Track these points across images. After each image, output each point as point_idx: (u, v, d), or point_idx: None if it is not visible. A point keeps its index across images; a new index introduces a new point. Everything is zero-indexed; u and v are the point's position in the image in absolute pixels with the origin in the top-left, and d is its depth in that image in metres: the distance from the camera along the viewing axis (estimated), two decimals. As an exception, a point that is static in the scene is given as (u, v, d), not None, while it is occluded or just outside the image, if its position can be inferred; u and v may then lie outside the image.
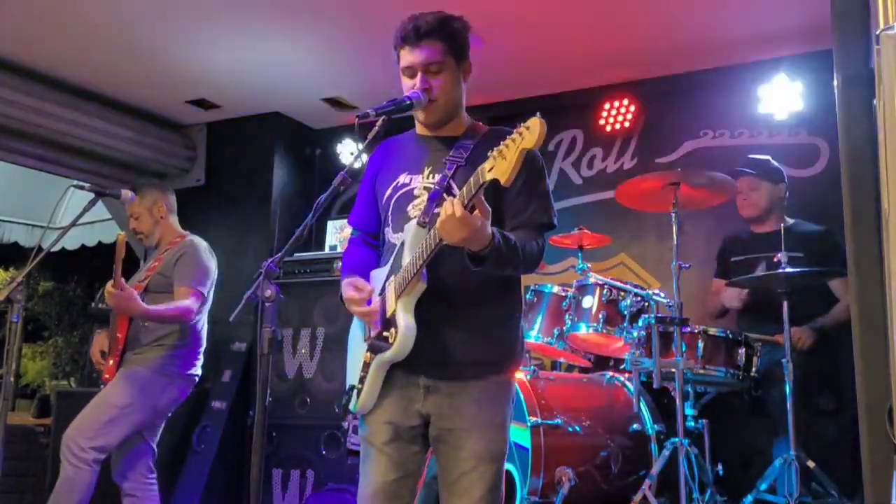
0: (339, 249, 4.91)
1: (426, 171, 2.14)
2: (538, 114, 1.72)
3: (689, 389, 3.51)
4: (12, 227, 7.27)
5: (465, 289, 2.05)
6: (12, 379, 2.93)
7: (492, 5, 3.86)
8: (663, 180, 3.51)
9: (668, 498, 3.39)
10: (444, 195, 1.99)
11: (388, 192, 2.19)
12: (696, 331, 3.46)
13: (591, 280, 3.67)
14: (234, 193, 5.47)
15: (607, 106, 4.77)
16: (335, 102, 5.20)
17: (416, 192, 2.13)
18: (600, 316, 3.57)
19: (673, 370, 3.29)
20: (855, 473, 2.32)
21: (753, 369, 3.52)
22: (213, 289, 3.67)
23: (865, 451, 2.04)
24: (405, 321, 1.99)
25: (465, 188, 1.85)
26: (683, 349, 3.32)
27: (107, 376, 3.49)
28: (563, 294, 3.71)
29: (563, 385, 3.73)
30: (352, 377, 2.17)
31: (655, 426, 3.54)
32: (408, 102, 2.08)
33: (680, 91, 4.69)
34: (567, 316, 3.65)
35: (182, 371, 3.57)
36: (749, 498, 3.26)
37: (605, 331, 3.57)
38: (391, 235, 2.17)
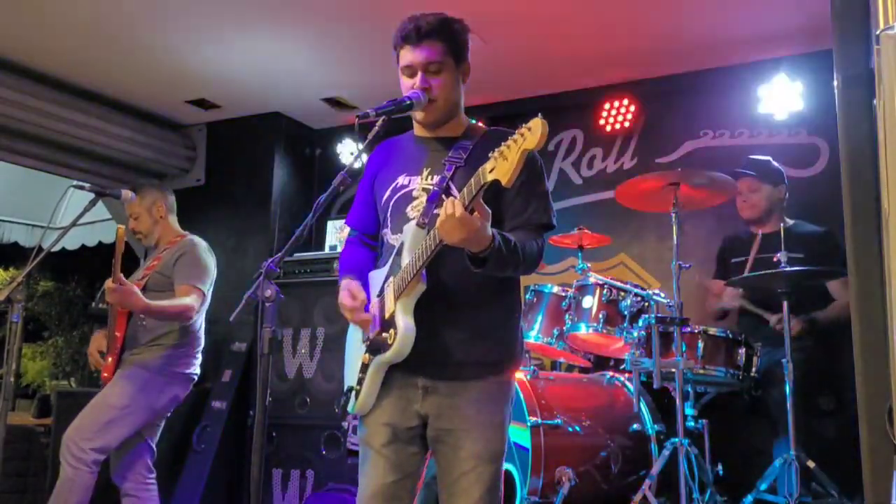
0: (339, 249, 4.90)
1: (425, 173, 2.14)
2: (539, 114, 1.72)
3: (689, 389, 3.51)
4: (12, 227, 7.27)
5: (465, 290, 2.05)
6: (12, 379, 2.93)
7: (492, 5, 3.86)
8: (663, 180, 3.51)
9: (668, 498, 3.39)
10: (443, 196, 1.99)
11: (387, 193, 2.19)
12: (696, 331, 3.47)
13: (591, 280, 3.67)
14: (234, 193, 5.47)
15: (607, 106, 4.77)
16: (335, 102, 5.20)
17: (414, 193, 2.13)
18: (600, 316, 3.57)
19: (673, 370, 3.29)
20: (855, 473, 2.32)
21: (753, 369, 3.53)
22: (211, 288, 3.67)
23: (865, 451, 2.04)
24: (404, 322, 1.99)
25: (465, 189, 1.85)
26: (683, 349, 3.32)
27: (105, 375, 3.49)
28: (563, 294, 3.71)
29: (563, 385, 3.73)
30: (350, 378, 2.17)
31: (655, 426, 3.54)
32: (408, 102, 2.08)
33: (680, 91, 4.69)
34: (567, 316, 3.65)
35: (181, 370, 3.57)
36: (749, 498, 3.26)
37: (605, 331, 3.57)
38: (390, 237, 2.17)
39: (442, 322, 2.04)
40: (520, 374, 3.39)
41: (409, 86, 2.12)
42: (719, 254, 4.13)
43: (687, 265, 3.45)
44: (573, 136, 4.96)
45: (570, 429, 3.40)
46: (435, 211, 2.01)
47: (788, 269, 3.33)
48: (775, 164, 3.95)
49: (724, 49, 4.33)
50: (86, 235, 7.06)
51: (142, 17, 4.09)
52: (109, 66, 4.67)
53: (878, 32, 1.93)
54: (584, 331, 3.61)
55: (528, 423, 3.24)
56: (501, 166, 1.74)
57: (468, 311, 2.07)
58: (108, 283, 3.30)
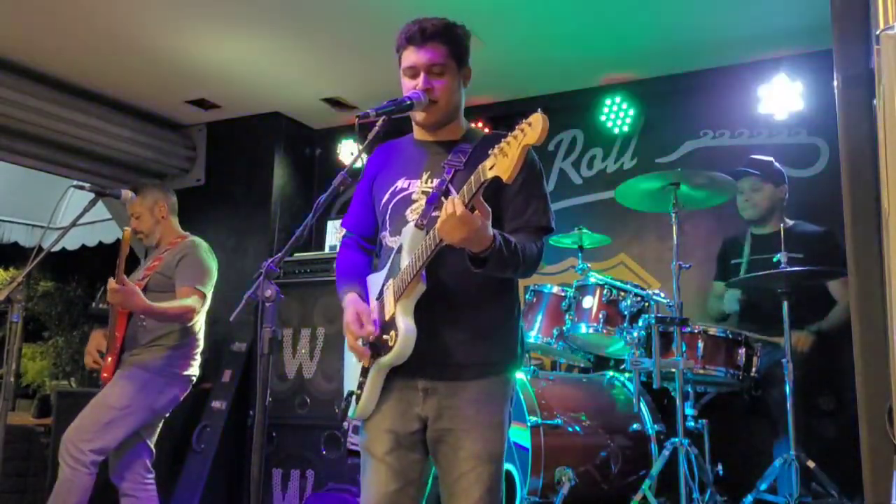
0: (338, 249, 4.90)
1: (425, 176, 2.14)
2: (540, 109, 1.71)
3: (689, 389, 3.51)
4: (12, 227, 7.27)
5: (465, 290, 2.05)
6: (12, 379, 2.93)
7: (492, 5, 3.86)
8: (663, 180, 3.51)
9: (668, 498, 3.39)
10: (442, 199, 1.99)
11: (386, 196, 2.18)
12: (696, 331, 3.47)
13: (591, 280, 3.67)
14: (234, 193, 5.47)
15: (607, 106, 4.77)
16: (335, 102, 5.20)
17: (414, 196, 2.13)
18: (600, 316, 3.57)
19: (673, 370, 3.29)
20: (855, 473, 2.32)
21: (753, 369, 3.53)
22: (212, 289, 3.67)
23: (865, 451, 2.04)
24: (405, 324, 1.99)
25: (465, 187, 1.84)
26: (683, 349, 3.32)
27: (105, 375, 3.49)
28: (563, 294, 3.71)
29: (563, 385, 3.73)
30: (350, 383, 2.16)
31: (655, 426, 3.54)
32: (408, 102, 2.08)
33: (680, 91, 4.69)
34: (567, 316, 3.65)
35: (180, 371, 3.58)
36: (749, 498, 3.26)
37: (605, 331, 3.57)
38: (388, 239, 2.16)
39: (442, 323, 2.04)
40: (520, 374, 3.39)
41: (410, 87, 2.12)
42: (720, 255, 4.13)
43: (687, 265, 3.45)
44: (573, 136, 4.96)
45: (570, 429, 3.40)
46: (434, 213, 2.01)
47: (788, 269, 3.33)
48: (777, 164, 3.95)
49: (724, 49, 4.32)
50: (86, 235, 7.06)
51: (142, 18, 4.09)
52: (109, 66, 4.67)
53: (878, 32, 1.93)
54: (584, 331, 3.61)
55: (528, 423, 3.24)
56: (502, 163, 1.74)
57: (468, 312, 2.07)
58: (111, 283, 3.30)
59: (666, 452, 3.25)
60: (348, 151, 5.33)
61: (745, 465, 3.63)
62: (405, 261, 2.02)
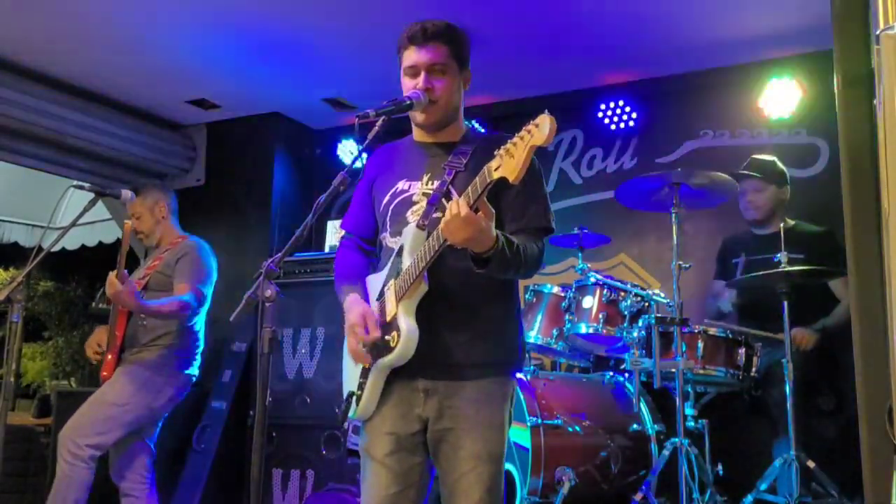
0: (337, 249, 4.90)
1: (425, 178, 2.14)
2: (547, 111, 1.71)
3: (689, 389, 3.51)
4: (12, 227, 7.26)
5: (466, 291, 2.05)
6: (12, 379, 2.93)
7: (492, 5, 3.86)
8: (663, 180, 3.51)
9: (668, 498, 3.39)
10: (444, 200, 1.99)
11: (387, 198, 2.18)
12: (696, 331, 3.47)
13: (591, 280, 3.67)
14: (233, 193, 5.47)
15: (607, 106, 4.76)
16: (335, 102, 5.20)
17: (415, 198, 2.13)
18: (600, 316, 3.57)
19: (673, 370, 3.29)
20: (855, 473, 2.32)
21: (753, 369, 3.53)
22: (211, 290, 3.67)
23: (865, 451, 2.04)
24: (407, 324, 1.99)
25: (470, 187, 1.84)
26: (683, 349, 3.32)
27: (105, 373, 3.49)
28: (563, 294, 3.71)
29: (563, 385, 3.73)
30: (350, 383, 2.16)
31: (655, 426, 3.54)
32: (408, 102, 2.08)
33: (680, 91, 4.69)
34: (567, 316, 3.65)
35: (180, 371, 3.58)
36: (749, 498, 3.26)
37: (605, 331, 3.57)
38: (389, 240, 2.16)
39: (443, 323, 2.04)
40: (520, 374, 3.39)
41: (411, 87, 2.13)
42: (720, 254, 4.13)
43: (687, 265, 3.45)
44: (573, 136, 4.96)
45: (570, 429, 3.40)
46: (435, 214, 2.01)
47: (789, 268, 3.33)
48: (780, 164, 3.95)
49: (724, 49, 4.32)
50: (86, 235, 7.06)
51: (142, 17, 4.09)
52: (109, 66, 4.67)
53: (878, 32, 1.93)
54: (584, 331, 3.61)
55: (528, 423, 3.24)
56: (508, 164, 1.73)
57: (469, 313, 2.07)
58: (111, 276, 3.29)
59: (666, 452, 3.25)
60: (348, 151, 5.33)
61: (745, 465, 3.62)
62: (407, 261, 2.02)
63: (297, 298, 4.57)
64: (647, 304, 3.59)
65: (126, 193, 3.51)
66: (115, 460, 3.55)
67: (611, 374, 3.85)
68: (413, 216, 2.10)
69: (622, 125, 4.76)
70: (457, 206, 1.80)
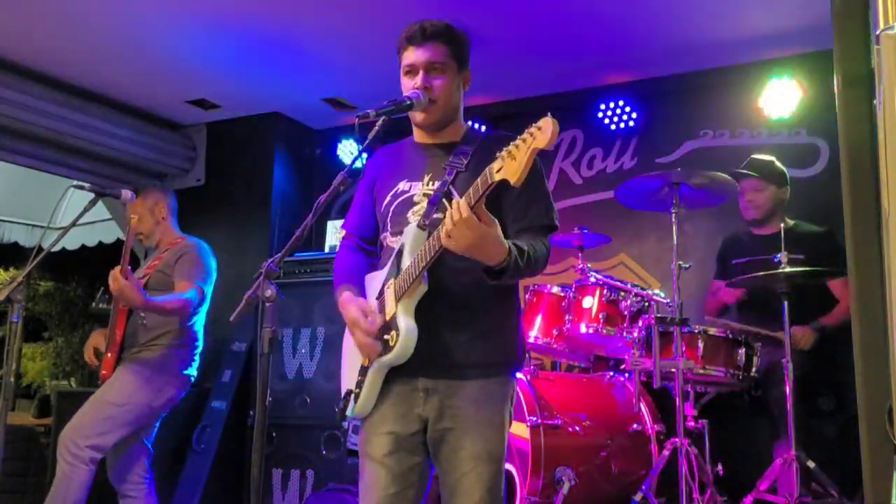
0: (338, 250, 4.90)
1: (426, 178, 2.14)
2: (549, 114, 1.71)
3: (689, 389, 3.51)
4: (12, 227, 7.26)
5: (465, 291, 2.05)
6: (12, 379, 2.93)
7: (492, 5, 3.86)
8: (663, 180, 3.51)
9: (668, 498, 3.39)
10: (444, 201, 1.98)
11: (388, 199, 2.18)
12: (696, 331, 3.47)
13: (591, 280, 3.67)
14: (233, 193, 5.47)
15: (607, 106, 4.76)
16: (335, 102, 5.20)
17: (415, 198, 2.13)
18: (600, 316, 3.57)
19: (673, 370, 3.29)
20: (855, 473, 2.32)
21: (753, 369, 3.53)
22: (211, 289, 3.67)
23: (865, 451, 2.04)
24: (406, 324, 1.99)
25: (471, 189, 1.82)
26: (683, 349, 3.32)
27: (104, 373, 3.49)
28: (563, 294, 3.71)
29: (563, 385, 3.73)
30: (348, 382, 2.16)
31: (655, 426, 3.54)
32: (408, 102, 2.08)
33: (680, 91, 4.69)
34: (567, 316, 3.65)
35: (179, 370, 3.58)
36: (749, 498, 3.26)
37: (605, 331, 3.57)
38: (390, 240, 2.16)
39: (443, 323, 2.04)
40: (520, 374, 3.39)
41: (410, 87, 2.13)
42: (720, 254, 4.13)
43: (687, 265, 3.45)
44: (573, 136, 4.96)
45: (570, 429, 3.40)
46: (436, 215, 2.01)
47: (789, 269, 3.33)
48: (779, 164, 3.94)
49: (724, 49, 4.32)
50: (86, 235, 7.06)
51: (142, 17, 4.09)
52: (109, 66, 4.67)
53: (878, 32, 1.93)
54: (584, 331, 3.61)
55: (528, 423, 3.24)
56: (510, 166, 1.73)
57: (469, 313, 2.07)
58: (114, 271, 3.29)
59: (666, 452, 3.25)
60: (348, 151, 5.33)
61: (745, 465, 3.63)
62: (407, 261, 2.02)
63: (297, 298, 4.58)
64: (647, 304, 3.59)
65: (126, 193, 3.50)
66: (114, 461, 3.55)
67: (611, 374, 3.85)
68: (414, 217, 2.10)
69: (622, 125, 4.76)
70: (457, 208, 1.80)
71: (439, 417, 2.05)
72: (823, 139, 4.29)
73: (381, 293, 2.10)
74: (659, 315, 3.40)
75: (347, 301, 2.12)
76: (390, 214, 2.17)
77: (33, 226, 7.27)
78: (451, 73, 2.15)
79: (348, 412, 2.13)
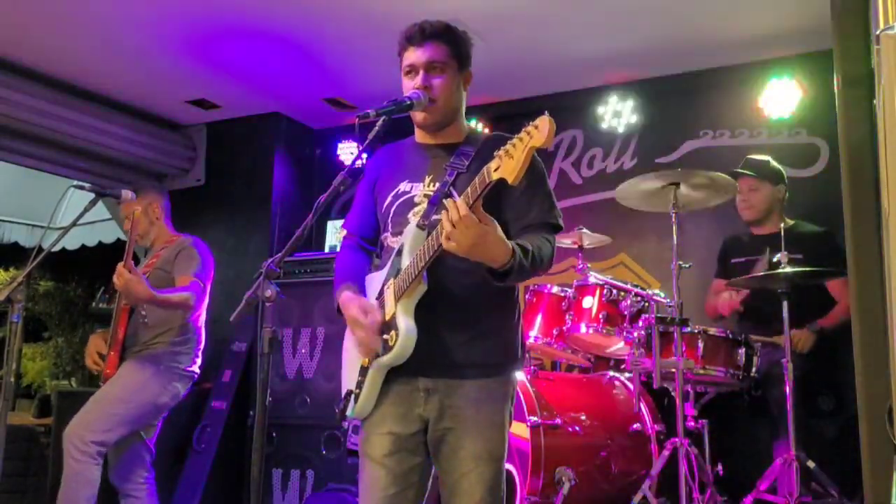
0: (338, 250, 4.90)
1: (427, 180, 2.14)
2: (546, 112, 1.71)
3: (689, 389, 3.51)
4: (12, 227, 7.27)
5: (465, 291, 2.05)
6: (12, 379, 2.93)
7: (492, 5, 3.86)
8: (663, 180, 3.51)
9: (668, 498, 3.39)
10: (444, 201, 1.98)
11: (389, 199, 2.18)
12: (696, 331, 3.46)
13: (591, 280, 3.67)
14: (233, 193, 5.47)
15: (607, 106, 4.76)
16: (335, 102, 5.20)
17: (416, 199, 2.13)
18: (600, 316, 3.57)
19: (673, 370, 3.29)
20: (855, 473, 2.32)
21: (753, 369, 3.52)
22: (210, 285, 3.69)
23: (865, 451, 2.04)
24: (406, 324, 1.99)
25: (469, 188, 1.82)
26: (683, 349, 3.32)
27: (108, 372, 3.50)
28: (563, 294, 3.71)
29: (563, 385, 3.73)
30: (349, 382, 2.15)
31: (655, 426, 3.54)
32: (408, 102, 2.08)
33: (680, 91, 4.69)
34: (567, 316, 3.65)
35: (182, 367, 3.60)
36: (749, 498, 3.26)
37: (605, 331, 3.57)
38: (390, 240, 2.16)
39: (442, 323, 2.03)
40: (520, 374, 3.39)
41: (410, 87, 2.13)
42: (720, 254, 4.13)
43: (687, 265, 3.45)
44: (573, 136, 4.96)
45: (570, 429, 3.40)
46: (435, 216, 2.00)
47: (789, 269, 3.33)
48: (775, 163, 3.95)
49: (724, 49, 4.32)
50: (86, 235, 7.06)
51: (142, 17, 4.09)
52: (109, 66, 4.67)
53: (878, 32, 1.93)
54: (584, 331, 3.61)
55: (528, 423, 3.24)
56: (507, 165, 1.73)
57: (469, 313, 2.06)
58: (119, 267, 3.29)
59: (666, 452, 3.25)
60: (348, 151, 5.33)
61: (745, 465, 3.63)
62: (406, 261, 2.02)
63: (297, 298, 4.58)
64: (647, 304, 3.59)
65: (126, 193, 3.51)
66: (115, 461, 3.55)
67: (611, 374, 3.85)
68: (414, 218, 2.10)
69: (622, 125, 4.76)
70: (455, 208, 1.79)
71: (440, 417, 2.04)
72: (823, 139, 4.29)
73: (381, 293, 2.10)
74: (659, 315, 3.40)
75: (348, 300, 2.11)
76: (391, 215, 2.17)
77: (33, 226, 7.27)
78: (452, 73, 2.14)
79: (348, 412, 2.12)
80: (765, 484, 3.28)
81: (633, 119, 4.73)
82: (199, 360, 3.68)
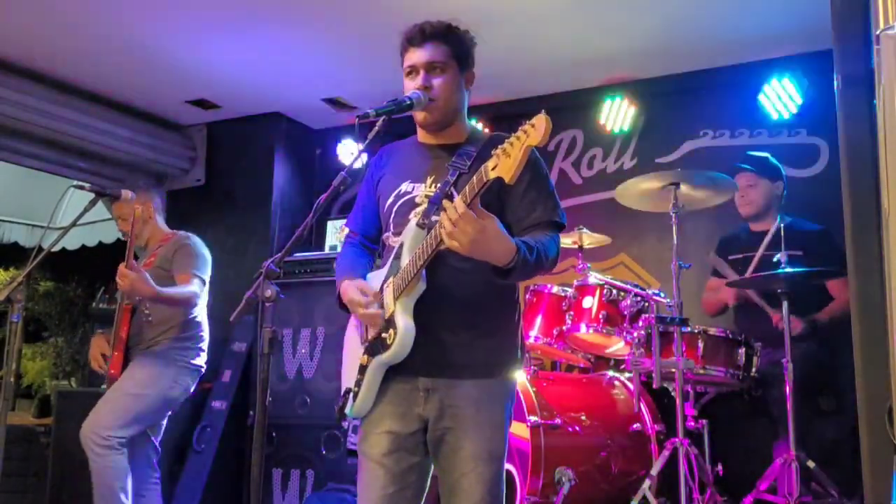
0: (339, 249, 4.90)
1: (429, 180, 2.14)
2: (544, 111, 1.71)
3: (689, 389, 3.51)
4: (12, 227, 7.26)
5: (465, 290, 2.05)
6: (12, 379, 2.93)
7: (491, 5, 3.86)
8: (663, 180, 3.51)
9: (668, 498, 3.39)
10: (445, 201, 1.98)
11: (391, 199, 2.18)
12: (696, 331, 3.47)
13: (591, 280, 3.67)
14: (234, 193, 5.47)
15: (607, 106, 4.76)
16: (335, 102, 5.20)
17: (418, 199, 2.13)
18: (600, 316, 3.57)
19: (673, 370, 3.29)
20: (855, 473, 2.32)
21: (753, 369, 3.52)
22: (209, 277, 3.70)
23: (865, 451, 2.04)
24: (404, 322, 1.99)
25: (467, 186, 1.82)
26: (683, 349, 3.32)
27: (113, 372, 3.50)
28: (563, 294, 3.71)
29: (563, 385, 3.74)
30: (348, 380, 2.15)
31: (655, 426, 3.54)
32: (408, 102, 2.08)
33: (680, 91, 4.69)
34: (567, 316, 3.65)
35: (190, 362, 3.63)
36: (749, 498, 3.26)
37: (605, 331, 3.57)
38: (392, 240, 2.16)
39: (443, 323, 2.03)
40: (520, 374, 3.39)
41: (412, 88, 2.13)
42: (717, 251, 4.13)
43: (687, 265, 3.45)
44: (573, 136, 4.96)
45: (570, 429, 3.40)
46: (434, 217, 2.00)
47: (789, 269, 3.33)
48: (773, 160, 3.95)
49: (724, 49, 4.32)
50: (86, 235, 7.06)
51: (142, 17, 4.09)
52: (109, 66, 4.67)
53: (878, 32, 1.93)
54: (584, 331, 3.61)
55: (528, 423, 3.24)
56: (504, 163, 1.73)
57: (469, 312, 2.06)
58: (121, 268, 3.30)
59: (666, 452, 3.25)
60: (348, 151, 5.33)
61: (745, 465, 3.63)
62: (405, 259, 2.02)
63: (297, 298, 4.58)
64: (647, 304, 3.59)
65: (126, 193, 3.52)
66: (125, 461, 3.56)
67: (611, 374, 3.84)
68: (416, 218, 2.10)
69: (622, 125, 4.76)
70: (452, 207, 1.79)
71: (439, 417, 2.04)
72: (823, 139, 4.30)
73: (381, 292, 2.10)
74: (659, 315, 3.40)
75: (347, 286, 2.13)
76: (393, 215, 2.17)
77: (33, 226, 7.27)
78: (452, 73, 2.14)
79: (347, 411, 2.12)
80: (765, 484, 3.28)
81: (633, 119, 4.73)
82: (204, 355, 3.72)
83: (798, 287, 3.44)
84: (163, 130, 5.45)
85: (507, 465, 3.13)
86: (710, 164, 3.93)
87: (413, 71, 2.14)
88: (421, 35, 2.12)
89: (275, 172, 5.39)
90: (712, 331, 3.50)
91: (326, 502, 4.01)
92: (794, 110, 4.29)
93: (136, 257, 3.89)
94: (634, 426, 3.56)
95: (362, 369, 2.09)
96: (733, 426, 3.86)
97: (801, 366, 3.38)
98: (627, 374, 3.74)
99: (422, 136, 2.25)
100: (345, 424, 4.19)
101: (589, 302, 3.62)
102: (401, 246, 2.07)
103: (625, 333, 3.55)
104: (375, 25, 4.02)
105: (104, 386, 3.57)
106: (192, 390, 3.67)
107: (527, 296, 3.79)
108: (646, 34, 4.20)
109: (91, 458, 3.33)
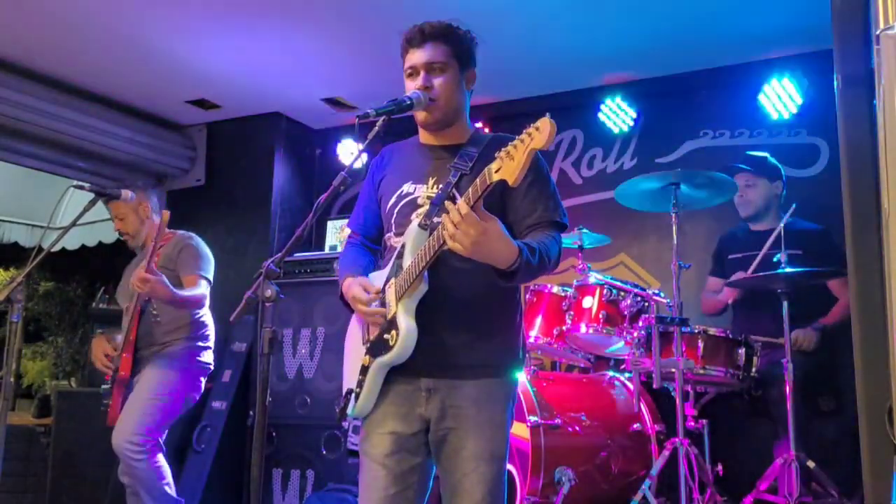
0: (339, 249, 4.90)
1: (430, 181, 2.14)
2: (548, 114, 1.71)
3: (689, 389, 3.51)
4: (12, 227, 7.26)
5: (467, 291, 2.05)
6: (12, 379, 2.93)
7: (491, 5, 3.86)
8: (663, 180, 3.51)
9: (668, 498, 3.39)
10: (448, 202, 1.98)
11: (392, 200, 2.18)
12: (696, 331, 3.47)
13: (592, 280, 3.67)
14: (234, 193, 5.47)
15: (607, 106, 4.76)
16: (335, 102, 5.20)
17: (419, 200, 2.13)
18: (600, 316, 3.57)
19: (673, 370, 3.29)
20: (855, 473, 2.32)
21: (753, 369, 3.52)
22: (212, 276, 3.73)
23: (865, 451, 2.04)
24: (406, 323, 1.99)
25: (470, 188, 1.82)
26: (683, 349, 3.32)
27: (122, 373, 3.50)
28: (563, 294, 3.71)
29: (563, 385, 3.74)
30: (349, 381, 2.16)
31: (655, 426, 3.54)
32: (408, 102, 2.08)
33: (680, 91, 4.68)
34: (567, 316, 3.65)
35: (202, 360, 3.68)
36: (749, 498, 3.26)
37: (605, 331, 3.57)
38: (393, 241, 2.16)
39: (444, 323, 2.04)
40: (520, 374, 3.39)
41: (412, 88, 2.13)
42: (716, 251, 4.14)
43: (687, 265, 3.45)
44: (573, 136, 4.96)
45: (571, 429, 3.40)
46: (436, 219, 2.00)
47: (790, 269, 3.33)
48: (773, 160, 3.96)
49: (724, 49, 4.32)
50: (86, 235, 7.05)
51: (142, 17, 4.09)
52: (109, 66, 4.67)
53: (878, 32, 1.93)
54: (584, 331, 3.61)
55: (528, 424, 3.24)
56: (508, 166, 1.73)
57: (470, 313, 2.06)
58: (140, 273, 3.31)
59: (666, 452, 3.25)
60: (348, 151, 5.33)
61: (745, 465, 3.63)
62: (407, 260, 2.02)
63: (297, 298, 4.58)
64: (647, 304, 3.59)
65: (126, 193, 3.52)
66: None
67: (611, 374, 3.84)
68: (417, 218, 2.10)
69: (622, 125, 4.76)
70: (455, 209, 1.79)
71: (441, 417, 2.04)
72: (823, 139, 4.30)
73: (382, 292, 2.10)
74: (659, 315, 3.40)
75: (350, 284, 2.13)
76: (395, 216, 2.17)
77: (33, 226, 7.26)
78: (453, 73, 2.14)
79: (348, 411, 2.13)
80: (765, 484, 3.28)
81: (633, 119, 4.73)
82: (211, 353, 3.76)
83: (798, 287, 3.44)
84: (163, 130, 5.45)
85: (508, 465, 3.14)
86: (710, 164, 3.93)
87: (413, 71, 2.14)
88: (421, 35, 2.12)
89: (275, 172, 5.39)
90: (712, 331, 3.51)
91: (326, 502, 4.00)
92: (794, 110, 4.29)
93: (133, 255, 3.91)
94: (634, 426, 3.56)
95: (364, 370, 2.09)
96: (733, 426, 3.86)
97: (800, 366, 3.38)
98: (627, 374, 3.74)
99: (423, 136, 2.25)
100: (345, 424, 4.19)
101: (589, 302, 3.62)
102: (403, 247, 2.07)
103: (625, 333, 3.55)
104: (375, 25, 4.02)
105: (104, 386, 3.57)
106: (203, 388, 3.70)
107: (527, 296, 3.79)
108: (646, 34, 4.19)
109: (131, 465, 3.33)
